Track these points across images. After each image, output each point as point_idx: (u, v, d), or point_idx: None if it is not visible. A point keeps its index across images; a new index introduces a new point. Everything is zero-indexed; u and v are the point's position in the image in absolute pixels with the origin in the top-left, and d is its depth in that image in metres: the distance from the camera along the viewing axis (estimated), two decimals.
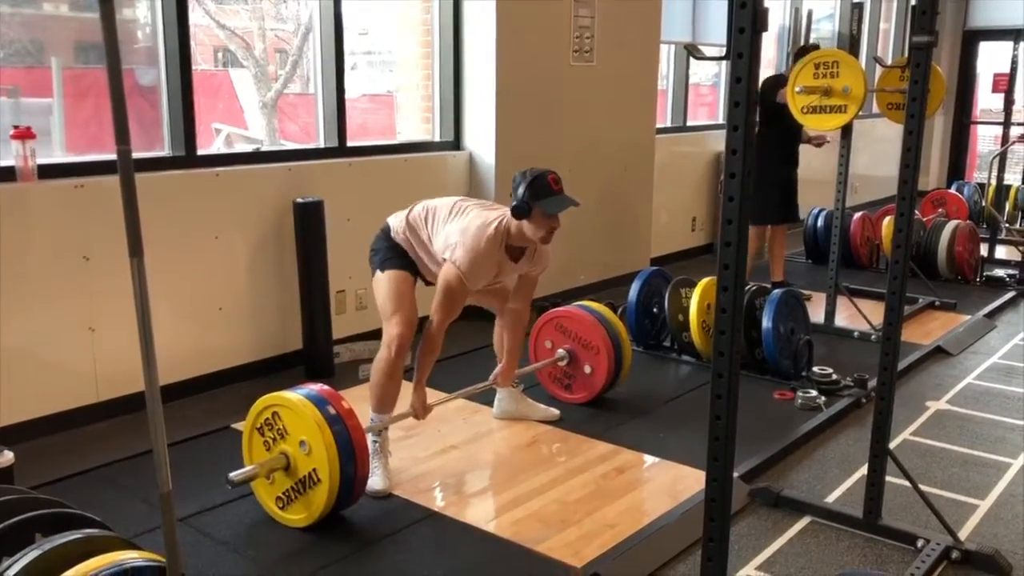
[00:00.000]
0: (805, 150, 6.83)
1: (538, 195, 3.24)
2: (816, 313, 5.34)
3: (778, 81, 5.72)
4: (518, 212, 3.26)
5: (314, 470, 2.90)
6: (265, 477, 3.00)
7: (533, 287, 3.68)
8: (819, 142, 6.49)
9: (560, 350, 4.13)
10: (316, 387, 3.04)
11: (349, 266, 4.75)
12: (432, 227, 3.40)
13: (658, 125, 6.90)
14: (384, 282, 3.42)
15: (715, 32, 7.10)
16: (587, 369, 4.09)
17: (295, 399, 2.93)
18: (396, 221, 3.51)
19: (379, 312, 3.45)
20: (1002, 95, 8.34)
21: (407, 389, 3.48)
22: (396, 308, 3.36)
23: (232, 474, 2.88)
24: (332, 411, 2.92)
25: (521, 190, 3.25)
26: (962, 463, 3.68)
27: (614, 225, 6.45)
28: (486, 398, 4.08)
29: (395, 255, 3.45)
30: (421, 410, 3.44)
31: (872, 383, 4.20)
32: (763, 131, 5.83)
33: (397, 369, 3.36)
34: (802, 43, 8.15)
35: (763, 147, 5.81)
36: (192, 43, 4.22)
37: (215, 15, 5.20)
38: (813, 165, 8.08)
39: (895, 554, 2.94)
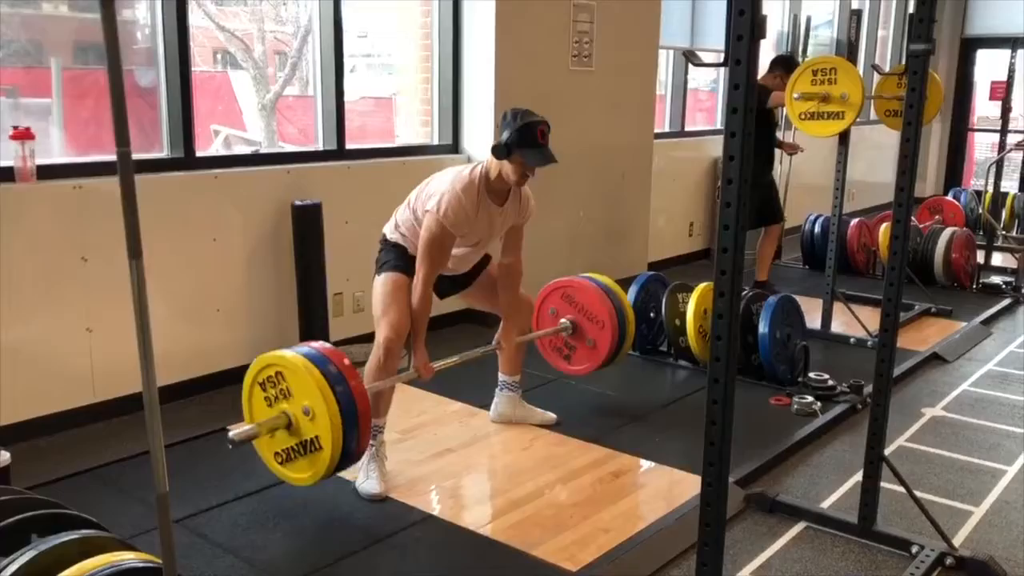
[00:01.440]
0: (798, 158, 6.91)
1: (522, 143, 3.24)
2: (813, 319, 5.35)
3: (761, 89, 5.77)
4: (497, 151, 3.27)
5: (316, 437, 2.84)
6: (266, 434, 2.92)
7: (520, 238, 3.62)
8: (792, 151, 6.59)
9: (564, 320, 4.07)
10: (318, 345, 2.97)
11: (347, 269, 4.76)
12: (418, 203, 3.40)
13: (656, 130, 6.91)
14: (378, 285, 3.43)
15: (714, 37, 7.12)
16: (590, 342, 4.04)
17: (300, 364, 2.84)
18: (389, 223, 3.54)
19: (374, 321, 3.44)
20: (999, 103, 8.36)
21: (403, 394, 3.48)
22: (385, 311, 3.36)
23: (232, 432, 2.82)
24: (334, 370, 2.85)
25: (507, 132, 3.26)
26: (957, 469, 3.69)
27: (612, 229, 6.46)
28: (484, 402, 4.08)
29: (393, 258, 3.45)
30: (424, 369, 3.37)
31: (868, 389, 4.22)
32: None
33: (388, 373, 3.34)
34: (800, 50, 8.18)
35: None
36: (191, 45, 4.22)
37: (215, 17, 5.21)
38: (810, 171, 8.12)
39: (890, 560, 2.94)
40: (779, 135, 6.45)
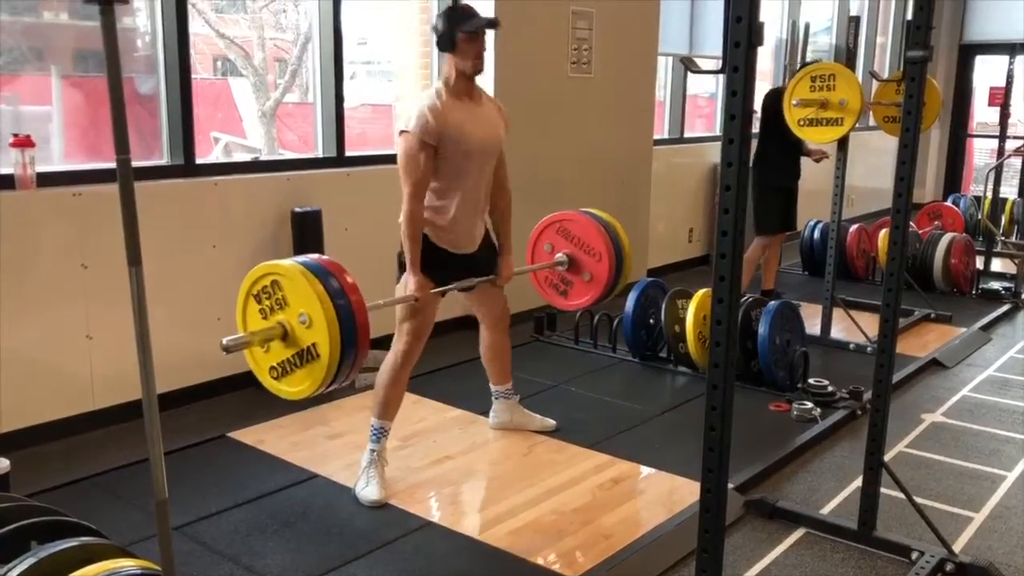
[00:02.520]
0: (803, 162, 6.87)
1: (456, 21, 3.26)
2: (812, 325, 5.35)
3: (781, 93, 5.75)
4: (441, 44, 3.30)
5: (314, 344, 2.72)
6: (260, 346, 2.82)
7: (504, 165, 3.58)
8: (819, 157, 6.53)
9: (560, 255, 3.98)
10: (316, 256, 2.88)
11: None
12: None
13: (655, 136, 6.92)
14: (401, 289, 3.37)
15: (712, 44, 7.13)
16: (586, 276, 3.95)
17: (296, 270, 2.73)
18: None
19: (396, 322, 3.41)
20: (998, 108, 8.37)
21: (409, 402, 3.49)
22: (407, 316, 3.35)
23: (225, 340, 2.72)
24: (335, 284, 2.74)
25: (440, 24, 3.29)
26: (957, 475, 3.69)
27: None
28: (483, 408, 4.08)
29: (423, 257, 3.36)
30: (418, 290, 3.26)
31: (867, 395, 4.22)
32: (765, 142, 5.88)
33: (402, 378, 3.38)
34: (799, 56, 8.18)
35: (766, 158, 5.89)
36: (191, 52, 4.23)
37: (215, 24, 5.22)
38: (810, 177, 8.12)
39: (890, 566, 2.94)
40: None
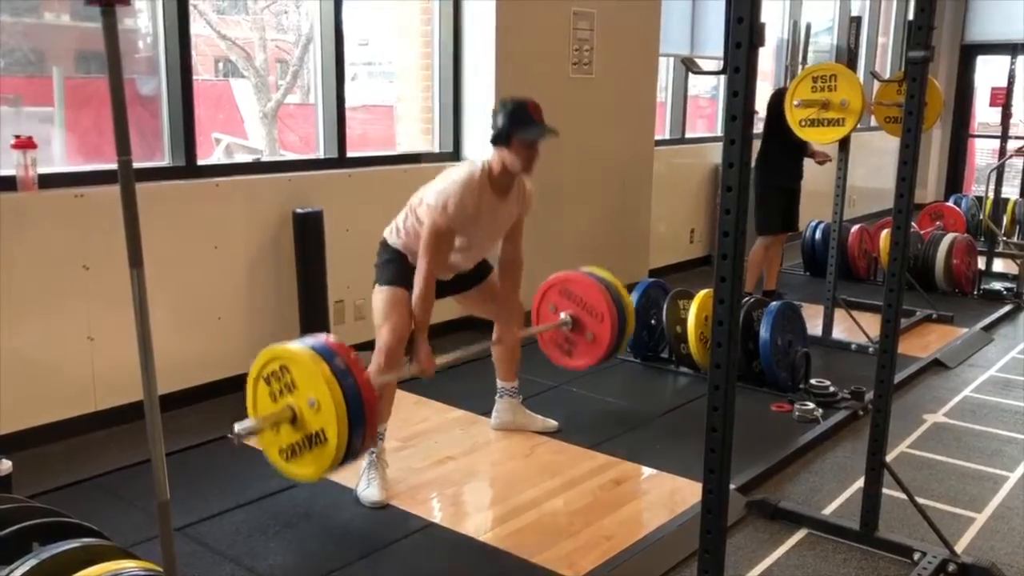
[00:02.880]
0: (806, 163, 6.88)
1: (517, 123, 3.26)
2: (814, 325, 5.35)
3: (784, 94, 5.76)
4: (496, 139, 3.29)
5: (322, 430, 2.76)
6: (270, 429, 2.85)
7: (521, 229, 3.62)
8: (822, 159, 6.55)
9: (563, 315, 4.03)
10: (323, 338, 2.90)
11: (348, 276, 4.76)
12: (421, 205, 3.39)
13: (657, 137, 6.92)
14: (378, 296, 3.42)
15: (714, 45, 7.12)
16: (589, 336, 4.02)
17: (305, 355, 2.77)
18: (390, 228, 3.53)
19: (375, 329, 3.44)
20: (999, 109, 8.36)
21: (404, 402, 3.49)
22: (385, 319, 3.36)
23: (237, 426, 2.75)
24: (341, 364, 2.78)
25: (501, 118, 3.28)
26: (959, 476, 3.68)
27: (613, 236, 6.46)
28: (485, 409, 4.08)
29: (394, 267, 3.44)
30: (426, 363, 3.31)
31: (869, 395, 4.22)
32: (768, 142, 5.88)
33: (388, 381, 3.34)
34: (800, 57, 8.18)
35: (768, 158, 5.88)
36: (193, 53, 4.23)
37: (216, 25, 5.23)
38: (811, 178, 8.11)
39: (892, 567, 2.94)
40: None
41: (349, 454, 2.81)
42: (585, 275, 4.05)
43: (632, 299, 4.90)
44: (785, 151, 5.91)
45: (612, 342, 3.99)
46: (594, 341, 4.00)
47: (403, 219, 3.49)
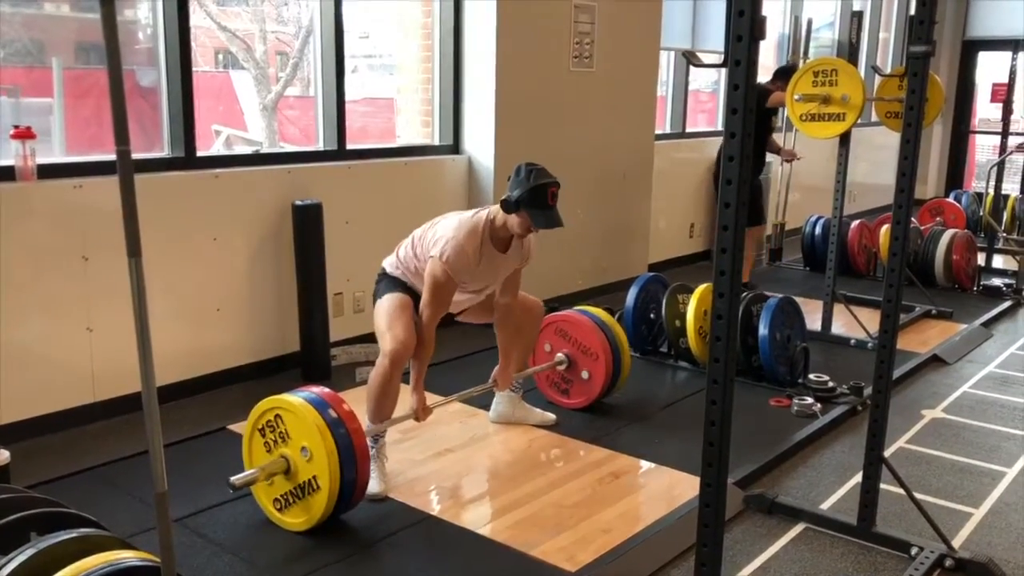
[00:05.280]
0: (798, 160, 6.93)
1: (531, 203, 3.27)
2: (813, 320, 5.35)
3: (762, 91, 5.80)
4: (506, 206, 3.30)
5: (314, 477, 2.90)
6: (264, 479, 2.99)
7: (519, 280, 3.68)
8: (789, 158, 6.64)
9: (559, 355, 4.13)
10: (317, 390, 3.03)
11: (347, 269, 4.76)
12: (421, 246, 3.44)
13: (657, 131, 6.91)
14: (381, 305, 3.45)
15: (714, 39, 7.12)
16: (585, 375, 4.09)
17: (297, 404, 2.92)
18: (390, 258, 3.57)
19: (377, 336, 3.44)
20: (1000, 105, 8.36)
21: (403, 395, 3.49)
22: (390, 325, 3.36)
23: (233, 478, 2.88)
24: (333, 415, 2.91)
25: (518, 190, 3.28)
26: (957, 471, 3.69)
27: (612, 231, 6.46)
28: (483, 402, 4.08)
29: (394, 285, 3.48)
30: (421, 411, 3.43)
31: (868, 391, 4.22)
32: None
33: (393, 383, 3.34)
34: (801, 52, 8.17)
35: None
36: (193, 45, 4.22)
37: (216, 17, 5.21)
38: (811, 173, 8.13)
39: (889, 562, 2.94)
40: (779, 140, 6.47)
41: (341, 502, 2.93)
42: (579, 314, 4.13)
43: (631, 294, 4.93)
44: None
45: (607, 380, 4.06)
46: (589, 379, 4.08)
47: (403, 251, 3.52)
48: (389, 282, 3.51)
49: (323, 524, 2.97)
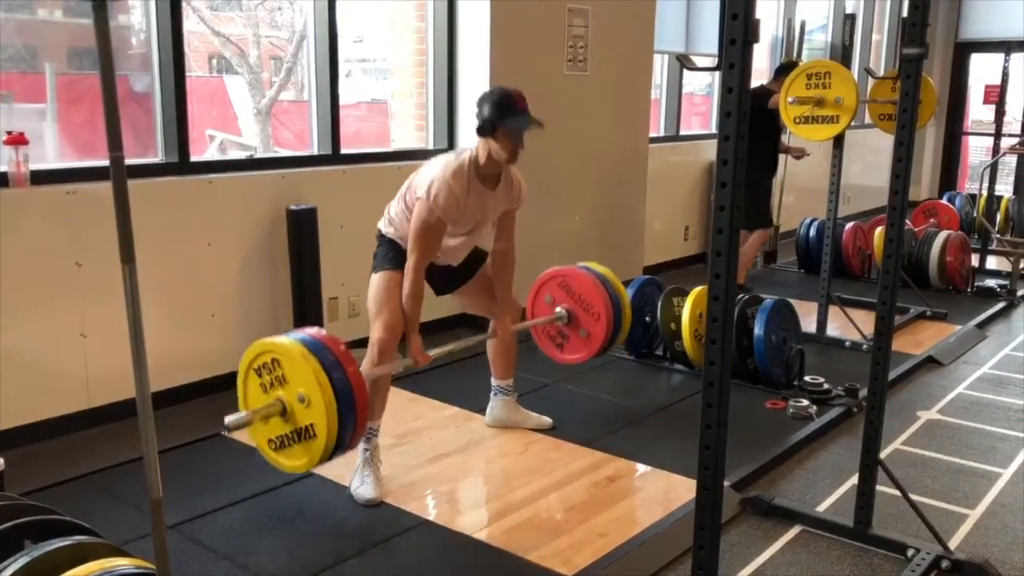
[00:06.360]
0: (793, 162, 6.92)
1: (503, 113, 3.25)
2: (808, 323, 5.36)
3: (764, 91, 5.77)
4: (482, 129, 3.28)
5: (311, 424, 2.78)
6: (260, 421, 2.87)
7: (513, 223, 3.63)
8: (798, 155, 6.61)
9: (559, 308, 4.04)
10: (313, 331, 2.91)
11: (342, 273, 4.75)
12: (409, 194, 3.40)
13: (651, 134, 6.92)
14: (373, 284, 3.43)
15: (708, 42, 7.13)
16: (584, 333, 4.02)
17: (296, 351, 2.78)
18: (383, 218, 3.54)
19: (369, 318, 3.44)
20: (993, 106, 8.38)
21: (398, 399, 3.48)
22: (379, 311, 3.36)
23: (228, 419, 2.78)
24: (331, 358, 2.80)
25: (486, 108, 3.27)
26: (952, 473, 3.69)
27: (607, 233, 6.46)
28: (479, 406, 4.08)
29: (389, 256, 3.44)
30: (419, 355, 3.33)
31: (863, 393, 4.21)
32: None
33: (383, 377, 3.35)
34: (795, 54, 8.20)
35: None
36: (186, 49, 4.22)
37: (210, 22, 5.21)
38: (806, 175, 8.14)
39: (886, 563, 2.95)
40: (784, 139, 6.45)
41: (338, 448, 2.83)
42: (585, 272, 4.05)
43: (628, 295, 4.92)
44: (761, 147, 5.92)
45: (605, 341, 4.00)
46: (588, 338, 4.01)
47: (394, 208, 3.50)
48: (385, 250, 3.46)
49: (318, 516, 2.96)
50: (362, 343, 4.69)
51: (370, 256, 3.58)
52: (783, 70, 5.94)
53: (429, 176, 3.31)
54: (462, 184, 3.30)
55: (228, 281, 4.38)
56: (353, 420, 2.83)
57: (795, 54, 8.02)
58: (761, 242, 6.55)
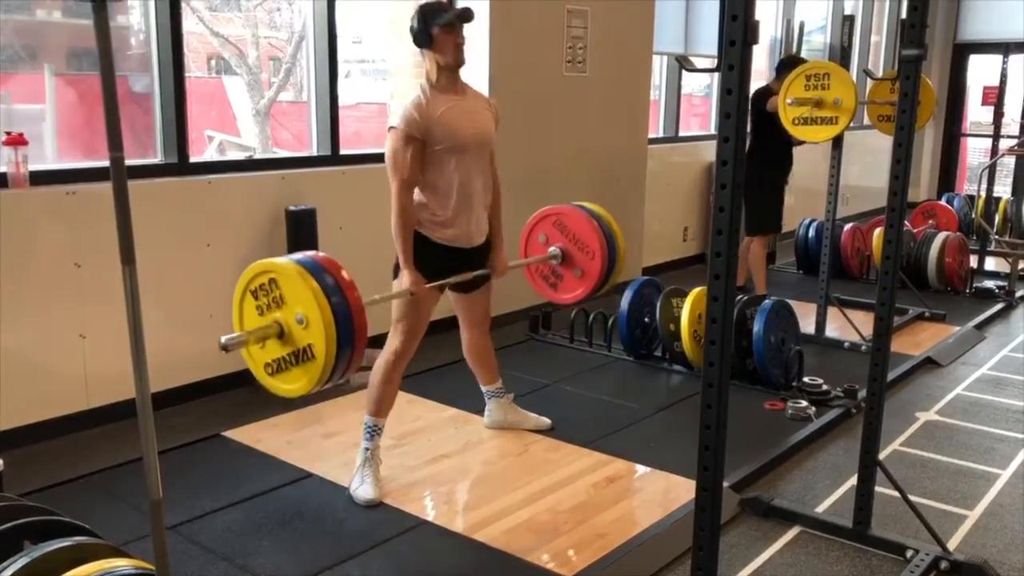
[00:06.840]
0: (795, 161, 6.90)
1: (430, 18, 3.27)
2: (807, 324, 5.36)
3: (767, 92, 5.75)
4: (419, 41, 3.30)
5: (309, 345, 2.70)
6: (256, 343, 2.80)
7: (493, 146, 3.57)
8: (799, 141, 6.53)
9: (553, 248, 3.96)
10: (312, 253, 2.85)
11: None
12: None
13: (650, 135, 6.93)
14: (396, 285, 3.36)
15: (707, 43, 7.14)
16: (578, 272, 3.95)
17: (294, 270, 2.70)
18: None
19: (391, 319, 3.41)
20: (991, 108, 8.39)
21: (397, 400, 3.49)
22: (401, 316, 3.35)
23: (223, 338, 2.69)
24: (331, 281, 2.72)
25: (415, 21, 3.30)
26: (951, 474, 3.69)
27: None
28: (478, 407, 4.08)
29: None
30: (416, 286, 3.26)
31: (862, 393, 4.22)
32: (754, 143, 5.87)
33: (395, 377, 3.38)
34: (793, 53, 8.19)
35: (755, 158, 5.88)
36: (186, 50, 4.22)
37: (209, 22, 5.21)
38: (804, 176, 8.14)
39: (884, 564, 2.95)
40: None
41: (335, 372, 2.73)
42: (579, 209, 3.96)
43: (625, 298, 4.93)
44: (771, 150, 5.90)
45: (599, 280, 3.91)
46: (582, 277, 3.92)
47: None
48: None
49: (315, 514, 2.96)
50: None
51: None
52: (784, 66, 5.90)
53: (394, 112, 3.32)
54: (424, 99, 3.27)
55: (227, 282, 4.34)
56: (351, 343, 2.73)
57: (794, 53, 8.02)
58: (763, 245, 6.50)
